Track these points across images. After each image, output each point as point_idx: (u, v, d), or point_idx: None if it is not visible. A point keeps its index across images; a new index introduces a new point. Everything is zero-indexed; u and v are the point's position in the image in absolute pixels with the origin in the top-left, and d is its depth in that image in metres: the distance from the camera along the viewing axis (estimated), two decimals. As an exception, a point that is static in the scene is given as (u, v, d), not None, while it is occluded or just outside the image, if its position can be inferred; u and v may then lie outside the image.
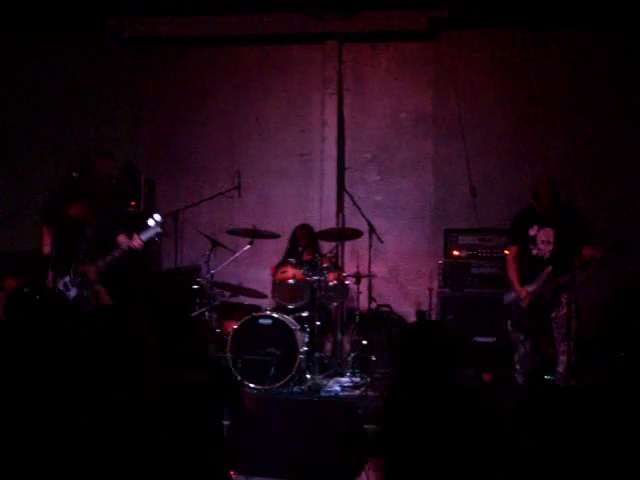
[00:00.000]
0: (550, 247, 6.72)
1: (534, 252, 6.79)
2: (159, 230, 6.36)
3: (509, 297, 6.92)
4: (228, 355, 7.12)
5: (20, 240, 8.88)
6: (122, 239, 6.40)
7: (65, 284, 6.25)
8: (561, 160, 8.70)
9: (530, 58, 9.06)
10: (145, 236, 6.31)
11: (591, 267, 6.61)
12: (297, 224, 8.51)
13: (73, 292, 6.26)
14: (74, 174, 6.25)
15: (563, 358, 6.51)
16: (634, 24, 8.48)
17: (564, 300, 6.51)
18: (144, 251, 6.52)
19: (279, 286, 7.84)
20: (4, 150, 9.66)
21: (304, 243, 8.27)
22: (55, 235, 6.36)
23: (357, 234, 8.00)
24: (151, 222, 6.33)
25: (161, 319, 2.88)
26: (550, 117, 8.96)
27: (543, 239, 6.76)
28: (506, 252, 7.21)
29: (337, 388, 7.10)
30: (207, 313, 7.46)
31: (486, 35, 9.20)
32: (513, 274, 6.88)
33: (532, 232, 6.81)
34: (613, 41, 8.78)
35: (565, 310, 6.47)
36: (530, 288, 6.68)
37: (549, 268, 6.59)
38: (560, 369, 6.59)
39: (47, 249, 6.45)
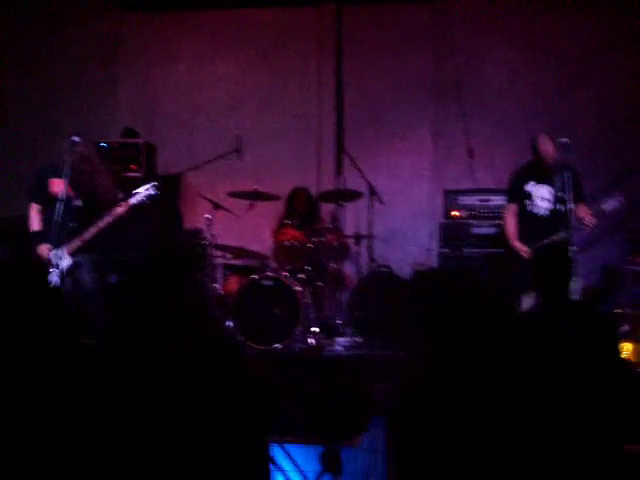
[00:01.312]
0: (547, 204, 6.76)
1: (531, 209, 6.82)
2: (151, 192, 6.39)
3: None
4: (231, 317, 7.19)
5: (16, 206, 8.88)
6: (110, 206, 6.46)
7: (58, 255, 6.30)
8: (560, 119, 8.70)
9: (529, 16, 9.04)
10: (135, 199, 6.35)
11: (588, 228, 6.63)
12: (294, 186, 8.55)
13: (66, 262, 6.32)
14: (75, 139, 6.28)
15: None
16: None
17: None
18: (138, 214, 6.54)
19: (280, 248, 7.90)
20: (3, 116, 9.66)
21: (302, 205, 8.31)
22: (42, 211, 6.44)
23: (357, 195, 8.04)
24: (143, 189, 6.39)
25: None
26: (549, 76, 8.97)
27: (540, 195, 6.80)
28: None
29: (339, 348, 7.20)
30: (209, 276, 7.54)
31: (483, -5, 9.21)
32: (511, 229, 6.92)
33: (530, 188, 6.84)
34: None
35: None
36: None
37: (562, 234, 6.56)
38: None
39: (33, 227, 6.49)
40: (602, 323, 3.11)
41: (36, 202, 6.49)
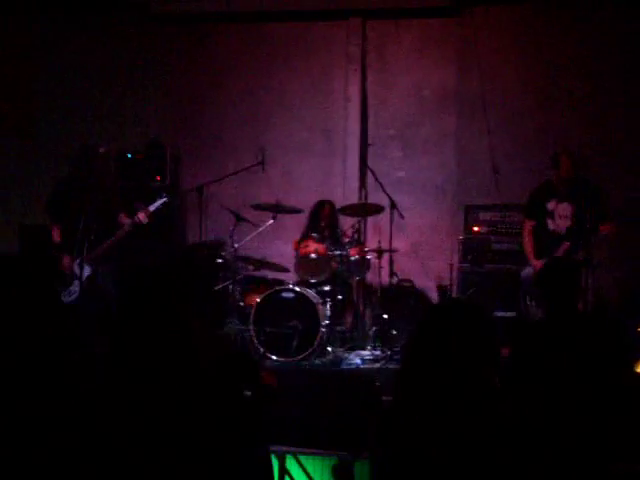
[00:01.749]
0: (568, 222, 6.76)
1: (551, 227, 6.83)
2: (165, 199, 6.50)
3: (526, 272, 6.98)
4: (251, 328, 7.23)
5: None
6: (122, 219, 6.57)
7: (79, 264, 6.41)
8: (583, 137, 8.69)
9: (553, 33, 9.05)
10: (153, 207, 6.46)
11: (608, 244, 6.64)
12: (319, 199, 8.60)
13: (86, 271, 6.42)
14: (101, 150, 6.40)
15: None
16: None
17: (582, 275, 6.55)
18: (155, 223, 6.64)
19: (301, 260, 7.92)
20: (33, 126, 9.79)
21: (326, 218, 8.35)
22: (62, 226, 6.55)
23: (379, 209, 8.07)
24: (159, 197, 6.51)
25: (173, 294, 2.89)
26: (573, 93, 8.97)
27: (561, 214, 6.80)
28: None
29: (358, 361, 7.21)
30: (231, 287, 7.60)
31: (509, 10, 9.20)
32: (529, 247, 6.94)
33: (550, 206, 6.85)
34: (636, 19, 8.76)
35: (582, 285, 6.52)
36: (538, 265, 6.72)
37: (567, 243, 6.64)
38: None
39: (57, 238, 6.60)
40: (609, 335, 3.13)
41: (59, 220, 6.60)
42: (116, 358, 2.67)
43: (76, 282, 6.42)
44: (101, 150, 6.47)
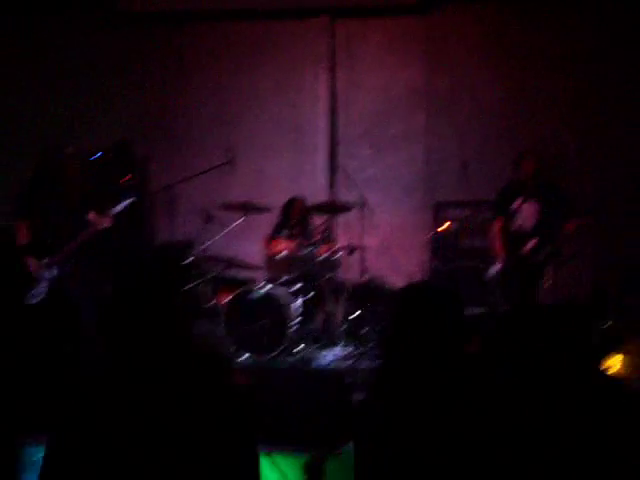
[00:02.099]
0: (533, 220, 6.82)
1: (517, 225, 6.89)
2: (131, 199, 6.46)
3: (493, 270, 7.03)
4: (222, 327, 7.23)
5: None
6: (92, 217, 6.51)
7: (46, 264, 6.36)
8: (550, 133, 8.77)
9: (521, 31, 9.11)
10: (118, 208, 6.41)
11: (574, 240, 6.69)
12: (290, 197, 8.60)
13: (55, 271, 6.37)
14: (67, 150, 6.35)
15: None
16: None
17: (549, 273, 6.62)
18: (119, 224, 6.60)
19: (272, 259, 7.93)
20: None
21: (297, 216, 8.35)
22: (30, 225, 6.49)
23: (349, 207, 8.09)
24: (124, 198, 6.46)
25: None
26: (540, 90, 9.02)
27: (526, 212, 6.86)
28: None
29: (329, 359, 7.21)
30: (201, 286, 7.58)
31: (477, 8, 9.23)
32: (498, 244, 6.99)
33: (516, 205, 6.90)
34: (603, 14, 8.83)
35: (550, 282, 6.58)
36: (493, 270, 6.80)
37: (534, 240, 6.69)
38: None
39: (23, 240, 6.53)
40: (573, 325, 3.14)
41: (25, 219, 6.52)
42: (115, 357, 2.64)
43: (42, 283, 6.37)
44: (67, 150, 6.42)
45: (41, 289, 6.36)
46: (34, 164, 6.72)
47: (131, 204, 6.54)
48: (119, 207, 6.44)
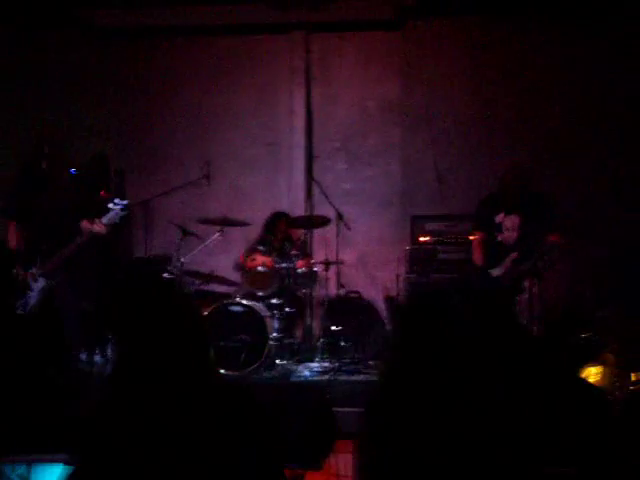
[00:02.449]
0: (515, 234, 6.82)
1: (499, 238, 6.89)
2: (120, 212, 6.39)
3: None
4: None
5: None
6: (85, 224, 6.43)
7: (32, 275, 6.29)
8: (526, 148, 8.83)
9: (496, 46, 9.18)
10: (106, 219, 6.33)
11: (555, 254, 6.71)
12: (274, 211, 8.62)
13: (41, 283, 6.30)
14: (43, 165, 6.29)
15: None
16: (601, 10, 8.65)
17: (526, 285, 6.63)
18: (109, 236, 6.53)
19: (249, 273, 7.92)
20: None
21: (282, 231, 8.38)
22: (19, 229, 6.41)
23: (325, 222, 8.10)
24: (112, 205, 6.37)
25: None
26: (515, 105, 9.09)
27: (508, 225, 6.86)
28: (471, 238, 7.32)
29: (307, 373, 7.20)
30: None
31: (452, 23, 9.30)
32: (479, 261, 6.99)
33: (498, 219, 6.90)
34: (580, 28, 8.93)
35: (527, 295, 6.59)
36: (495, 272, 6.79)
37: (515, 254, 6.71)
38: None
39: (13, 244, 6.46)
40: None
41: (14, 217, 6.44)
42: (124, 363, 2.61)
43: (32, 293, 6.28)
44: (45, 150, 6.35)
45: (32, 298, 6.28)
46: (19, 164, 6.64)
47: (120, 219, 6.47)
48: (110, 217, 6.35)
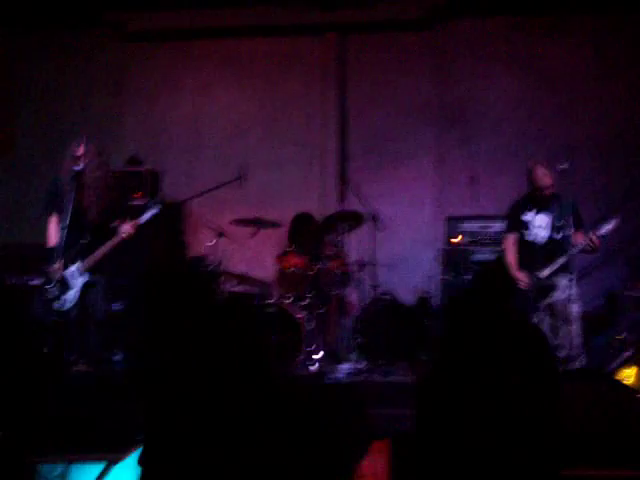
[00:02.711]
0: (545, 232, 6.78)
1: (529, 238, 6.85)
2: (155, 211, 6.44)
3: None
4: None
5: (23, 232, 8.89)
6: (124, 225, 6.47)
7: (73, 273, 6.32)
8: (561, 147, 8.76)
9: (530, 44, 9.15)
10: (142, 219, 6.38)
11: (586, 253, 6.65)
12: (300, 213, 8.60)
13: (84, 278, 6.33)
14: (81, 165, 6.33)
15: (564, 342, 6.54)
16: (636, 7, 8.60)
17: (563, 283, 6.56)
18: (144, 236, 6.57)
19: (283, 274, 7.92)
20: (13, 144, 9.76)
21: (309, 232, 8.35)
22: (59, 226, 6.44)
23: (359, 222, 8.09)
24: (147, 206, 6.44)
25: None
26: (551, 103, 9.05)
27: (538, 224, 6.82)
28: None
29: (341, 374, 7.19)
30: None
31: (485, 22, 9.30)
32: (512, 261, 6.95)
33: (528, 218, 6.87)
34: (615, 25, 8.87)
35: (565, 294, 6.53)
36: (543, 274, 6.70)
37: (564, 257, 6.59)
38: (561, 354, 6.61)
39: (52, 241, 6.49)
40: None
41: (55, 212, 6.47)
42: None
43: (74, 289, 6.31)
44: (83, 151, 6.39)
45: (71, 295, 6.31)
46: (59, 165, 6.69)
47: (154, 216, 6.51)
48: (145, 217, 6.41)
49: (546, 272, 6.66)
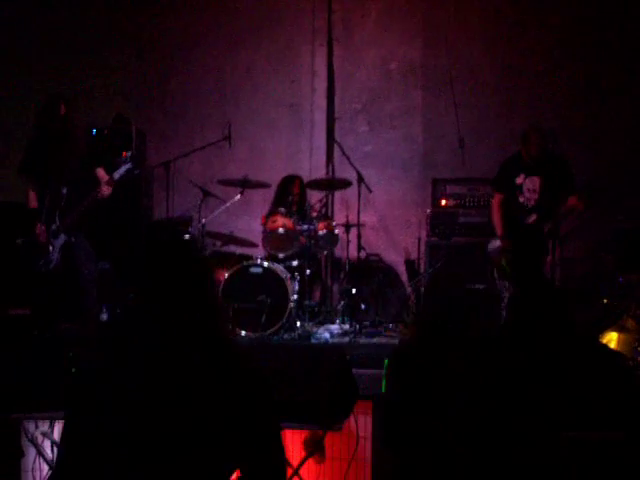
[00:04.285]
0: (536, 195, 6.80)
1: (520, 200, 6.87)
2: (128, 166, 6.41)
3: (493, 245, 7.02)
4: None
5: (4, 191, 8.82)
6: (101, 173, 6.45)
7: (53, 232, 6.32)
8: (548, 110, 8.77)
9: (519, 9, 9.10)
10: (117, 174, 6.36)
11: (575, 217, 6.69)
12: (286, 174, 8.57)
13: (61, 239, 6.33)
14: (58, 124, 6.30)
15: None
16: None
17: (549, 247, 6.61)
18: (120, 192, 6.55)
19: (269, 235, 7.88)
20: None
21: (295, 193, 8.33)
22: (37, 186, 6.43)
23: (346, 184, 8.06)
24: (123, 162, 6.41)
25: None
26: (538, 68, 9.02)
27: (529, 187, 6.84)
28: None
29: (326, 335, 7.20)
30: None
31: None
32: (497, 221, 6.97)
33: (519, 180, 6.88)
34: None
35: (550, 257, 6.58)
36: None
37: (534, 215, 6.68)
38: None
39: (33, 203, 6.48)
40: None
41: (31, 176, 6.45)
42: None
43: (54, 250, 6.31)
44: (61, 109, 6.35)
45: (53, 255, 6.31)
46: (34, 117, 6.65)
47: (130, 173, 6.48)
48: (119, 172, 6.38)
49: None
